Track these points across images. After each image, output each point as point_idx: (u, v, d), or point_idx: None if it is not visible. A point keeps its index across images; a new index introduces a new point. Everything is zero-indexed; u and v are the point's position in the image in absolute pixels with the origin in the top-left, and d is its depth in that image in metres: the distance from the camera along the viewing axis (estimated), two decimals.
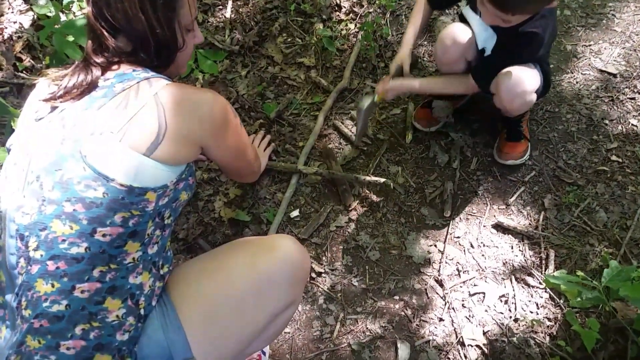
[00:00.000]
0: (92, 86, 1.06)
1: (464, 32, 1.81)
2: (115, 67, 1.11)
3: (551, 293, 1.73)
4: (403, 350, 1.66)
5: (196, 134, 1.11)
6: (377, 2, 2.50)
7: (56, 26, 2.36)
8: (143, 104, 1.03)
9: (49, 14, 2.42)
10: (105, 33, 1.10)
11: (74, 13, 2.48)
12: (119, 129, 1.00)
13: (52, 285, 0.98)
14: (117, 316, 1.03)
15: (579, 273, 1.62)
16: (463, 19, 1.86)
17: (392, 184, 1.95)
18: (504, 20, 1.53)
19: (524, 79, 1.67)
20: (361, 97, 1.91)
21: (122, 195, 1.00)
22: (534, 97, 1.73)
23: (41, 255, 0.99)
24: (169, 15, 1.13)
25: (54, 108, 1.08)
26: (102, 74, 1.09)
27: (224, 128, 1.19)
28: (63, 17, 2.47)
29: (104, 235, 1.00)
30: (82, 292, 0.99)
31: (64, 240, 0.98)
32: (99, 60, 1.10)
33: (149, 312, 1.10)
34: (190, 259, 1.31)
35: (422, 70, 2.35)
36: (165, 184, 1.07)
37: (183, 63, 1.28)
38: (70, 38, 2.31)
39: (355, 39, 2.44)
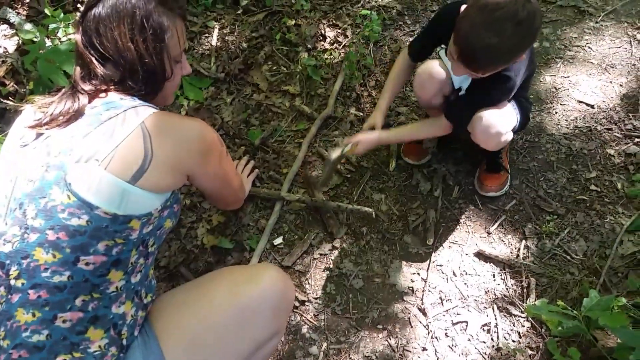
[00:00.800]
0: (78, 114, 1.06)
1: (439, 69, 1.84)
2: (102, 94, 1.11)
3: (533, 322, 1.74)
4: None
5: (182, 162, 1.11)
6: (360, 33, 2.55)
7: (41, 51, 2.36)
8: (129, 132, 1.03)
9: (34, 39, 2.43)
10: (94, 61, 1.11)
11: (60, 39, 2.49)
12: (104, 156, 1.00)
13: (33, 315, 0.97)
14: (100, 346, 1.01)
15: (560, 303, 1.64)
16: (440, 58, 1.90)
17: (374, 212, 1.95)
18: (473, 75, 1.57)
19: (498, 121, 1.69)
20: (331, 148, 1.92)
21: (106, 223, 0.99)
22: (509, 135, 1.76)
23: (22, 284, 0.97)
24: (158, 46, 1.15)
25: (39, 135, 1.07)
26: (89, 102, 1.09)
27: (210, 157, 1.19)
28: (48, 43, 2.47)
29: (87, 264, 0.99)
30: (64, 321, 0.98)
31: (46, 269, 0.97)
32: (87, 87, 1.10)
33: (131, 342, 1.09)
34: (173, 289, 1.30)
35: (404, 99, 2.38)
36: (150, 212, 1.06)
37: (170, 93, 1.29)
38: (55, 64, 2.31)
39: (339, 68, 2.48)
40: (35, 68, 2.43)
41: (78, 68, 1.14)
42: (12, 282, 0.98)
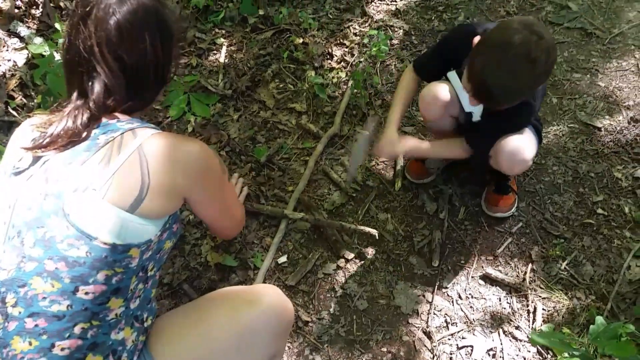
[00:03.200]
0: (77, 137, 1.03)
1: (444, 90, 1.81)
2: (103, 113, 1.07)
3: (539, 347, 1.71)
4: None
5: (180, 187, 1.07)
6: (367, 52, 2.56)
7: (50, 66, 2.38)
8: (125, 158, 1.00)
9: (43, 53, 2.44)
10: (104, 72, 1.06)
11: None
12: (101, 185, 0.98)
13: (30, 343, 0.95)
14: None
15: (565, 330, 1.61)
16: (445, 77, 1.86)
17: (377, 234, 1.94)
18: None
19: (523, 148, 1.69)
20: (365, 125, 1.86)
21: (105, 253, 0.98)
22: (531, 161, 1.76)
23: (19, 312, 0.96)
24: (169, 46, 1.15)
25: (36, 158, 1.04)
26: (89, 123, 1.05)
27: (209, 181, 1.15)
28: (57, 57, 2.49)
29: (86, 293, 0.97)
30: (62, 349, 0.96)
31: (44, 298, 0.96)
32: (87, 105, 1.06)
33: None
34: (171, 310, 1.28)
35: (410, 119, 2.38)
36: (150, 239, 1.05)
37: (160, 95, 1.26)
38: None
39: (345, 87, 2.49)
40: (44, 82, 2.45)
41: (78, 82, 1.08)
42: (9, 310, 0.97)
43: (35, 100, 2.47)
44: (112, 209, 0.98)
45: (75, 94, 1.08)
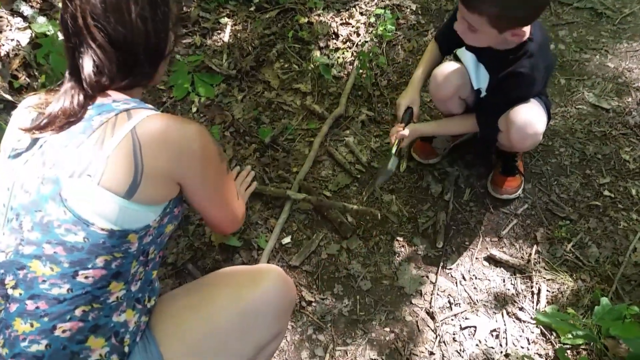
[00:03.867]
0: (74, 117, 1.01)
1: (456, 71, 1.82)
2: (100, 91, 1.05)
3: (542, 328, 1.71)
4: None
5: (175, 171, 1.04)
6: (374, 31, 2.53)
7: (54, 45, 2.37)
8: (118, 141, 0.97)
9: (47, 33, 2.43)
10: (94, 50, 1.02)
11: None
12: (96, 171, 0.96)
13: (31, 325, 0.95)
14: (100, 355, 1.00)
15: (570, 310, 1.61)
16: (457, 58, 1.87)
17: (379, 214, 1.93)
18: (472, 28, 1.53)
19: (534, 120, 1.67)
20: (386, 159, 1.88)
21: (102, 239, 0.97)
22: (542, 135, 1.74)
23: (20, 294, 0.96)
24: (165, 18, 1.09)
25: (34, 140, 1.03)
26: (86, 102, 1.03)
27: (205, 166, 1.10)
28: (61, 37, 2.48)
29: (86, 277, 0.97)
30: (64, 331, 0.96)
31: (44, 281, 0.95)
32: (83, 84, 1.03)
33: (132, 348, 1.07)
34: (173, 290, 1.28)
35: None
36: (148, 224, 1.03)
37: (163, 70, 1.21)
38: None
39: (351, 67, 2.46)
40: (48, 62, 2.44)
41: (71, 60, 1.05)
42: (10, 291, 0.97)
43: (38, 80, 2.46)
44: (107, 195, 0.96)
45: (68, 72, 1.06)
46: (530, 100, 1.71)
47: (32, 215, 0.97)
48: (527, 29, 1.58)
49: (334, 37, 2.59)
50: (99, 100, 1.04)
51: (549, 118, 1.83)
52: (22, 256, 0.96)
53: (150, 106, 1.09)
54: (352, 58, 2.49)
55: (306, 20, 2.62)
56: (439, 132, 2.01)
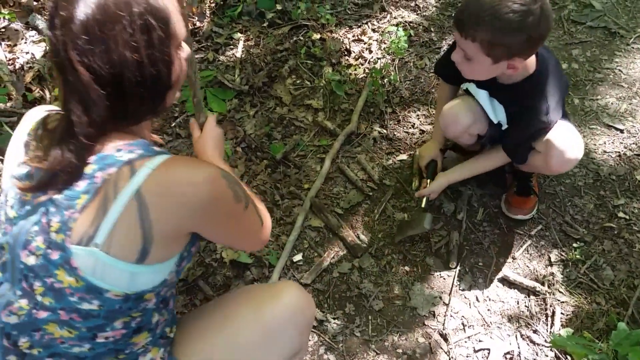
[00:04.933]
0: (74, 174, 0.90)
1: (465, 109, 1.79)
2: (100, 139, 0.93)
3: (557, 352, 1.69)
4: None
5: (187, 227, 0.96)
6: (386, 48, 2.53)
7: None
8: (122, 206, 0.88)
9: None
10: (85, 87, 0.87)
11: None
12: (103, 239, 0.88)
13: None
14: None
15: (586, 334, 1.59)
16: (470, 93, 1.84)
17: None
18: (467, 56, 1.53)
19: (574, 145, 1.67)
20: (421, 218, 1.89)
21: (118, 305, 0.93)
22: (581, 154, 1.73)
23: (39, 352, 0.94)
24: (163, 45, 0.93)
25: (37, 197, 0.93)
26: (87, 153, 0.91)
27: (219, 215, 1.00)
28: None
29: (106, 338, 0.95)
30: None
31: (63, 342, 0.93)
32: (80, 129, 0.90)
33: None
34: (193, 311, 1.28)
35: (429, 117, 2.35)
36: (164, 279, 0.98)
37: (173, 97, 1.07)
38: None
39: (363, 84, 2.46)
40: None
41: (62, 99, 0.92)
42: (26, 351, 0.94)
43: (52, 93, 2.47)
44: (118, 263, 0.89)
45: (62, 111, 0.94)
46: (563, 123, 1.70)
47: (43, 281, 0.91)
48: (529, 63, 1.57)
49: (346, 53, 2.59)
50: (100, 147, 0.92)
51: None
52: (37, 320, 0.92)
53: (156, 149, 0.98)
54: (364, 75, 2.50)
55: (319, 36, 2.62)
56: (468, 175, 1.96)
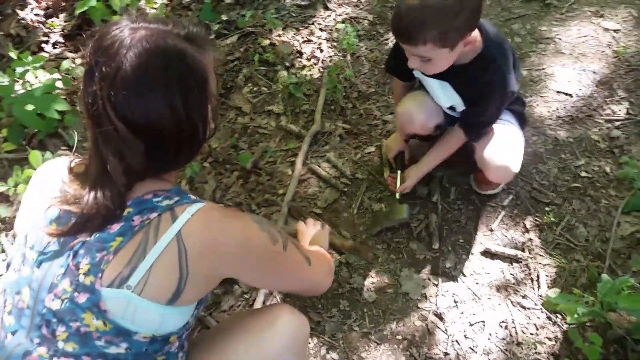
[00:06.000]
0: (110, 217, 0.91)
1: (418, 108, 1.87)
2: (136, 184, 0.95)
3: (547, 313, 1.76)
4: None
5: (221, 273, 0.99)
6: (338, 46, 2.56)
7: (13, 96, 2.29)
8: (162, 247, 0.90)
9: (3, 83, 2.35)
10: (121, 138, 0.90)
11: (30, 82, 2.41)
12: (137, 281, 0.88)
13: None
14: None
15: (576, 291, 1.66)
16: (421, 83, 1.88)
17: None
18: (425, 58, 1.53)
19: (511, 163, 1.78)
20: (399, 210, 1.97)
21: (145, 347, 0.93)
22: (519, 167, 1.83)
23: None
24: (201, 103, 0.97)
25: (64, 237, 0.93)
26: (122, 199, 0.93)
27: (255, 261, 1.03)
28: (18, 87, 2.40)
29: None
30: None
31: None
32: (116, 175, 0.91)
33: None
34: (192, 345, 1.24)
35: (389, 107, 2.40)
36: (187, 322, 0.99)
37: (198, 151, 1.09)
38: (30, 107, 2.24)
39: (319, 83, 2.48)
40: (9, 114, 2.35)
41: (94, 146, 0.93)
42: None
43: (0, 135, 2.37)
44: (150, 305, 0.90)
45: (93, 158, 0.94)
46: (507, 131, 1.79)
47: (67, 325, 0.89)
48: (476, 34, 1.58)
49: (298, 55, 2.61)
50: (138, 192, 0.95)
51: (525, 124, 1.91)
52: None
53: (191, 197, 1.00)
54: (320, 74, 2.52)
55: (268, 42, 2.63)
56: (435, 164, 1.99)
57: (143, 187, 0.96)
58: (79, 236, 0.91)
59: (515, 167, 1.80)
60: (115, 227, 0.91)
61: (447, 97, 1.79)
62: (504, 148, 1.78)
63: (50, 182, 1.03)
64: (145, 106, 0.89)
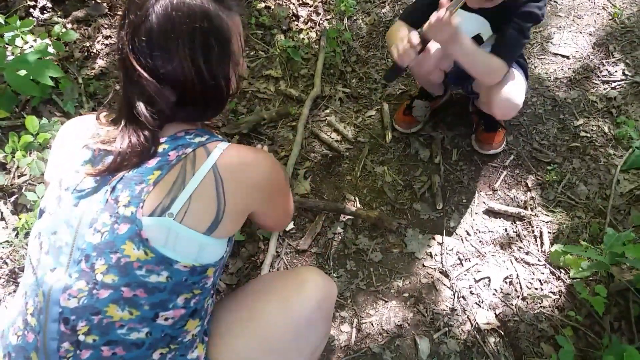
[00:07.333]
0: (146, 153, 0.95)
1: (435, 45, 1.78)
2: (166, 126, 1.01)
3: (551, 268, 1.80)
4: (423, 345, 1.67)
5: (252, 206, 1.05)
6: (335, 9, 2.53)
7: (6, 61, 2.21)
8: (201, 177, 0.95)
9: None
10: (151, 85, 0.96)
11: (20, 47, 2.34)
12: (178, 209, 0.92)
13: None
14: None
15: (583, 243, 1.70)
16: None
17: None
18: None
19: (515, 95, 1.75)
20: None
21: (185, 277, 0.95)
22: (522, 104, 1.81)
23: (94, 340, 0.90)
24: (222, 61, 1.02)
25: (102, 174, 0.96)
26: (155, 137, 0.97)
27: (277, 196, 1.13)
28: (8, 53, 2.32)
29: (166, 319, 0.94)
30: None
31: (122, 326, 0.91)
32: (147, 118, 0.96)
33: None
34: (217, 306, 1.22)
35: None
36: (222, 256, 1.03)
37: (227, 103, 1.14)
38: (23, 73, 2.17)
39: (317, 47, 2.45)
40: (0, 81, 2.28)
41: (129, 91, 0.99)
42: (81, 337, 0.91)
43: None
44: (190, 233, 0.93)
45: (124, 104, 1.00)
46: (512, 71, 1.76)
47: (107, 257, 0.91)
48: None
49: (294, 18, 2.57)
50: (169, 131, 1.01)
51: (527, 78, 1.90)
52: (97, 300, 0.90)
53: (219, 137, 1.06)
54: (317, 37, 2.49)
55: (263, 5, 2.58)
56: (464, 52, 1.63)
57: (173, 127, 1.02)
58: (117, 174, 0.95)
59: (519, 100, 1.77)
60: (153, 162, 0.95)
61: (473, 25, 1.76)
62: (509, 84, 1.76)
63: (82, 131, 1.06)
64: (163, 56, 0.95)
